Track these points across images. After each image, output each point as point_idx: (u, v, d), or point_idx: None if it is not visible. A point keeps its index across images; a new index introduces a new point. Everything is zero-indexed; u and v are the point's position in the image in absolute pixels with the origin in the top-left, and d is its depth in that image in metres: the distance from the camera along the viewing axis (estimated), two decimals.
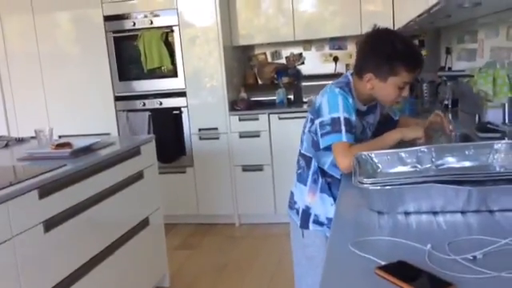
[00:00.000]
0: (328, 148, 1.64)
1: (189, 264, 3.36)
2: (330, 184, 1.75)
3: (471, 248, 0.95)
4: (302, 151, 1.81)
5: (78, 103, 4.09)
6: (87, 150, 2.45)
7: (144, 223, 2.67)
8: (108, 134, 3.97)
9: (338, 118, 1.60)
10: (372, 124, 1.82)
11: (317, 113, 1.68)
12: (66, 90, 4.11)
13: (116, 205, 2.43)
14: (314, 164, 1.76)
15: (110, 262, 2.31)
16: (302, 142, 1.82)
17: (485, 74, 1.82)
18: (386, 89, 1.63)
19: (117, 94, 4.03)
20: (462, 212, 1.17)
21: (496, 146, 1.38)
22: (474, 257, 0.91)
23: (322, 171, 1.76)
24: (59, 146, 2.43)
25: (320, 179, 1.76)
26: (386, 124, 1.88)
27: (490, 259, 0.91)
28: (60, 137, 3.99)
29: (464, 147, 1.42)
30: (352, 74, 1.73)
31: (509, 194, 1.13)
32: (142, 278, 2.67)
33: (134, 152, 2.63)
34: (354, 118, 1.62)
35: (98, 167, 2.30)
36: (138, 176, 2.65)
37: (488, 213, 1.16)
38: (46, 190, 1.93)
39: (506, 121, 1.91)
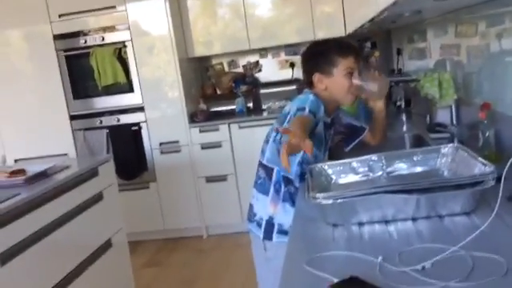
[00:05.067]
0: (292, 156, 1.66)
1: (157, 282, 3.32)
2: (292, 194, 1.75)
3: (421, 257, 0.97)
4: (264, 162, 1.79)
5: (32, 124, 3.98)
6: (42, 175, 2.38)
7: (106, 245, 2.61)
8: (65, 154, 3.88)
9: (304, 107, 1.61)
10: (331, 136, 1.86)
11: (284, 118, 1.67)
12: (19, 111, 3.99)
13: (75, 229, 2.37)
14: (275, 174, 1.76)
15: None
16: (263, 152, 1.81)
17: (430, 77, 1.88)
18: (337, 82, 1.71)
19: (72, 113, 3.95)
20: (413, 219, 1.20)
21: (443, 151, 1.42)
22: (423, 267, 0.94)
23: (285, 181, 1.76)
24: (13, 173, 2.36)
25: (282, 189, 1.76)
26: (353, 135, 1.91)
27: (439, 268, 0.93)
28: (16, 161, 3.90)
29: (412, 153, 1.46)
30: (308, 91, 1.76)
31: (454, 200, 1.16)
32: None
33: (92, 173, 2.57)
34: (319, 117, 1.63)
35: (54, 193, 2.25)
36: (98, 197, 2.59)
37: (437, 218, 1.19)
38: None
39: (454, 122, 1.97)
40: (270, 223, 1.79)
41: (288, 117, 1.64)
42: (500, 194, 0.96)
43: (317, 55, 1.75)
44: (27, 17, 3.86)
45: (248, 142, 3.75)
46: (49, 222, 2.17)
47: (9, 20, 3.88)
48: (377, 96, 1.75)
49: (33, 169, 2.39)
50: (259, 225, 1.81)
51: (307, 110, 1.60)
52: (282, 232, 1.76)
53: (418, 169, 1.44)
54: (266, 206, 1.79)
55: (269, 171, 1.78)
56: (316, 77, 1.73)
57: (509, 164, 0.91)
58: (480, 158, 1.22)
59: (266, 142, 1.80)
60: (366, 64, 1.70)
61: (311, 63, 1.77)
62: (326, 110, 1.72)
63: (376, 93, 1.71)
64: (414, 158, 1.44)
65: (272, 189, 1.78)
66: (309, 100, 1.65)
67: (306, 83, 1.79)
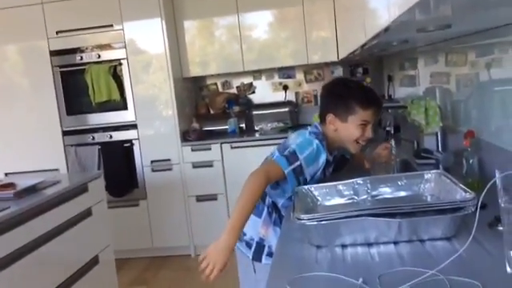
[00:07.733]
0: (282, 189, 1.71)
1: None
2: (282, 219, 1.77)
3: (400, 280, 0.99)
4: None
5: (24, 138, 3.98)
6: (32, 189, 2.39)
7: (94, 262, 2.61)
8: (56, 169, 3.88)
9: (297, 156, 1.62)
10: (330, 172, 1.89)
11: (284, 149, 1.68)
12: (11, 124, 3.99)
13: (63, 245, 2.37)
14: (268, 198, 1.79)
15: None
16: None
17: (417, 104, 1.93)
18: (348, 128, 1.69)
19: (65, 129, 3.96)
20: (395, 242, 1.22)
21: (426, 176, 1.46)
22: None
23: (275, 206, 1.78)
24: (2, 186, 2.36)
25: (274, 213, 1.78)
26: (339, 164, 1.95)
27: None
28: (6, 174, 3.89)
29: (397, 178, 1.49)
30: (319, 124, 1.78)
31: (435, 224, 1.19)
32: None
33: (81, 189, 2.58)
34: (311, 171, 1.64)
35: (43, 207, 2.25)
36: (86, 213, 2.60)
37: (419, 242, 1.22)
38: None
39: (439, 148, 2.02)
40: (260, 245, 1.80)
41: (286, 151, 1.65)
42: (476, 220, 0.99)
43: (338, 96, 1.72)
44: (25, 32, 3.90)
45: (239, 162, 3.77)
46: (37, 236, 2.17)
47: (6, 35, 3.92)
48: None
49: (22, 183, 2.40)
50: (248, 245, 1.82)
51: (300, 161, 1.60)
52: (271, 254, 1.77)
53: (402, 193, 1.47)
54: (256, 227, 1.81)
55: (263, 193, 1.79)
56: (330, 117, 1.71)
57: (485, 191, 0.94)
58: (461, 185, 1.26)
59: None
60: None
61: (329, 102, 1.75)
62: (330, 148, 1.73)
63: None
64: (399, 183, 1.47)
65: (265, 211, 1.79)
66: (311, 147, 1.64)
67: (319, 116, 1.79)
